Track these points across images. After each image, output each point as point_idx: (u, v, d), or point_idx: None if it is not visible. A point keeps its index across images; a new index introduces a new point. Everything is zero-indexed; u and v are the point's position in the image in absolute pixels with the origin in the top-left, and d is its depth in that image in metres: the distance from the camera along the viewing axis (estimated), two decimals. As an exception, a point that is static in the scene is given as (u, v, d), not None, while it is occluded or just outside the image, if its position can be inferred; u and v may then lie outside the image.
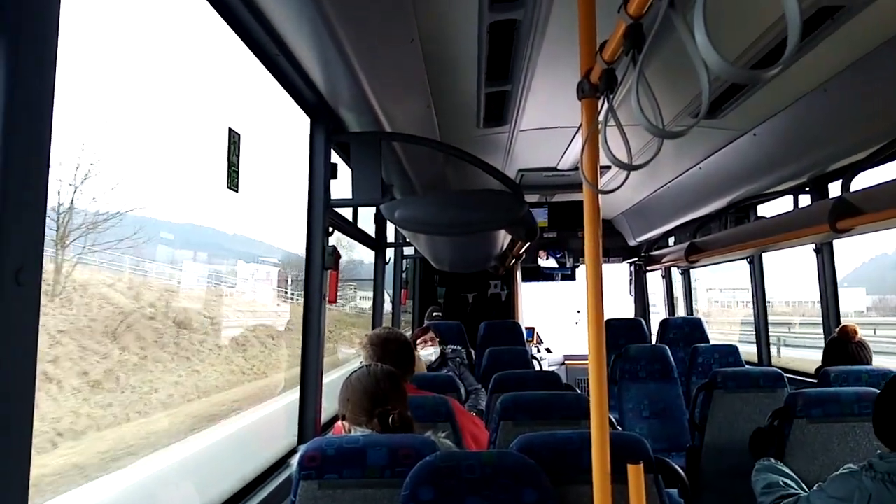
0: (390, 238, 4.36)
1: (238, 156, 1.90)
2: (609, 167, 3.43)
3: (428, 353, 3.91)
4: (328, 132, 2.33)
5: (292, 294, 6.74)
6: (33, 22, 0.81)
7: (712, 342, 4.96)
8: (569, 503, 1.57)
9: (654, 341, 5.53)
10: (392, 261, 4.98)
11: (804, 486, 2.05)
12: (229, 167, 1.87)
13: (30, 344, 0.82)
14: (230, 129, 1.89)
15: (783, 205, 3.81)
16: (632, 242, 6.03)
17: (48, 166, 0.84)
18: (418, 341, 3.93)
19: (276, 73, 1.97)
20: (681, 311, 6.06)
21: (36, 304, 0.82)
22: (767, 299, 4.39)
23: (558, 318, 7.98)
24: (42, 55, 0.83)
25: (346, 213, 2.96)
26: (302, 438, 2.28)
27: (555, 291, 7.27)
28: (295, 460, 1.56)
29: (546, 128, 3.13)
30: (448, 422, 2.22)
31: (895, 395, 1.73)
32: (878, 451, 1.70)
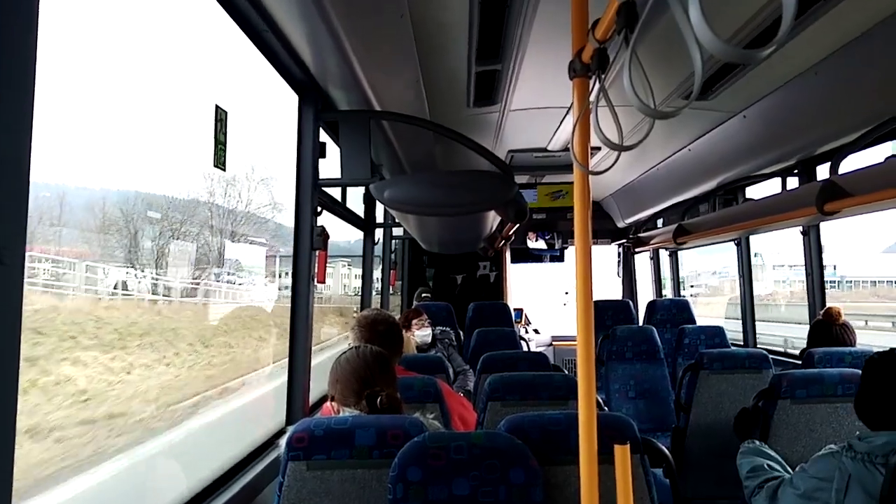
0: (379, 219, 4.34)
1: (225, 133, 1.87)
2: (599, 148, 3.42)
3: (424, 333, 3.92)
4: (317, 110, 2.31)
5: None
6: None
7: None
8: (556, 483, 1.58)
9: (641, 322, 5.57)
10: (381, 242, 4.96)
11: (788, 467, 2.07)
12: (216, 145, 1.85)
13: (13, 324, 0.80)
14: (217, 107, 1.86)
15: (771, 187, 3.83)
16: (620, 224, 6.04)
17: (30, 143, 0.82)
18: (414, 321, 3.93)
19: (264, 49, 1.93)
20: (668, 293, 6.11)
21: (19, 284, 0.81)
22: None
23: (547, 300, 8.01)
24: (21, 33, 0.81)
25: (335, 193, 2.94)
26: (290, 419, 2.28)
27: (543, 273, 7.28)
28: (283, 441, 1.55)
29: (536, 108, 3.10)
30: (436, 402, 2.22)
31: (877, 374, 1.75)
32: (858, 433, 1.73)
